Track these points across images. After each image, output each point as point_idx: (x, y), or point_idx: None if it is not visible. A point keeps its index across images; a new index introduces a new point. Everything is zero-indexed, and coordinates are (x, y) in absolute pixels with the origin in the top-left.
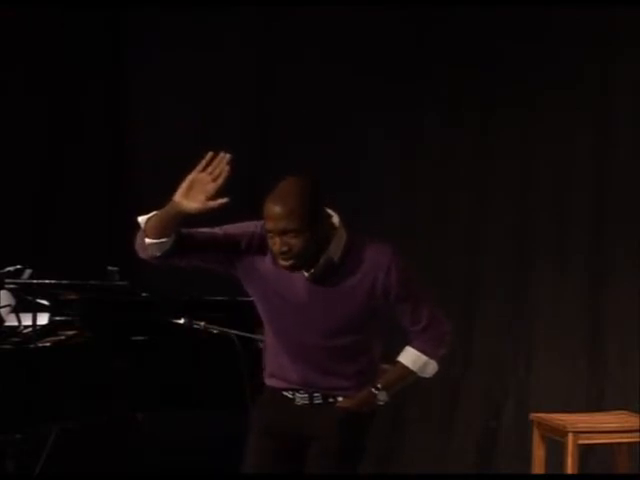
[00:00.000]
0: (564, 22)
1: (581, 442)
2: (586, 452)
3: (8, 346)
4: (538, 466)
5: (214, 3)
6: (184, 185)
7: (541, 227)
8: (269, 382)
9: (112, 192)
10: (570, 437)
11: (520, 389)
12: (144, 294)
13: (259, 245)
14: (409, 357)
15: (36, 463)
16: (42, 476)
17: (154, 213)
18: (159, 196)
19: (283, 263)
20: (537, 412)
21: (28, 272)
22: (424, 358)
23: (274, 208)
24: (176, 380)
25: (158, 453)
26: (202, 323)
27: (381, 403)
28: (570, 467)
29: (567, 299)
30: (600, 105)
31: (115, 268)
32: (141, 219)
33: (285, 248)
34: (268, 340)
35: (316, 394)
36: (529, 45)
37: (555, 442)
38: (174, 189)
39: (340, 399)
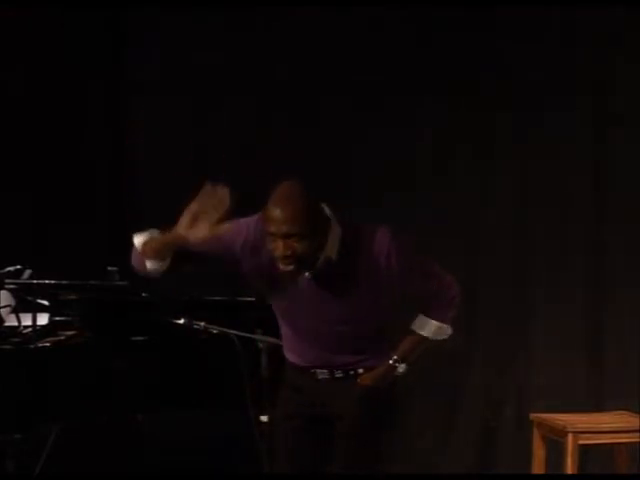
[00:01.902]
0: (564, 22)
1: (581, 442)
2: (586, 452)
3: (8, 346)
4: (538, 466)
5: (214, 3)
6: (187, 218)
7: (541, 227)
8: (289, 357)
9: (112, 192)
10: (570, 437)
11: (520, 389)
12: (144, 294)
13: (253, 247)
14: (422, 325)
15: (36, 463)
16: (42, 476)
17: (152, 237)
18: (159, 196)
19: (285, 268)
20: (537, 412)
21: (28, 272)
22: (436, 323)
23: (277, 212)
24: (176, 380)
25: (158, 453)
26: (202, 323)
27: (400, 375)
28: (570, 467)
29: (567, 299)
30: (600, 105)
31: (115, 268)
32: (137, 241)
33: (288, 252)
34: (283, 328)
35: (336, 369)
36: (529, 45)
37: (555, 442)
38: (174, 189)
39: (361, 371)
